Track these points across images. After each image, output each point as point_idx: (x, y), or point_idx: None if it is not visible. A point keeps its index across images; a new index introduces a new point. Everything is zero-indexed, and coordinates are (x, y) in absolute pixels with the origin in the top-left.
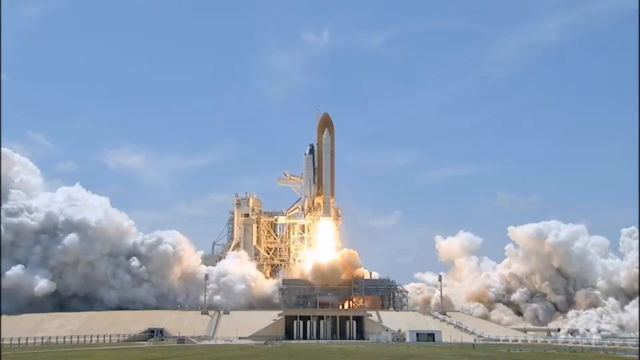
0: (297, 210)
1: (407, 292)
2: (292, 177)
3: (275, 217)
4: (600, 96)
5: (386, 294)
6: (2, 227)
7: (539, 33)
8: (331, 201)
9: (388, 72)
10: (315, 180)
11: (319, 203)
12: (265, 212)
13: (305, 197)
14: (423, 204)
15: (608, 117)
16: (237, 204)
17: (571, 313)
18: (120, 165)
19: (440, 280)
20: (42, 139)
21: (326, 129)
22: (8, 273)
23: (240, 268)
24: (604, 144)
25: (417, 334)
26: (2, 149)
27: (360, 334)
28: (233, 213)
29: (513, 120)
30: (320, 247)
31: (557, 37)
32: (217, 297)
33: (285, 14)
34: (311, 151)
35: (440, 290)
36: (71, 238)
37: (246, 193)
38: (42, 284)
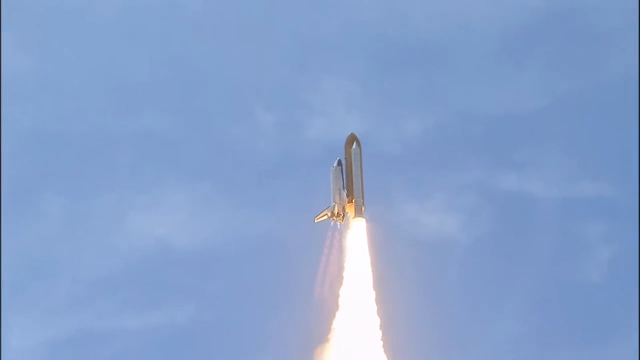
0: (325, 217)
1: None
2: None
3: None
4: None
5: None
6: None
7: None
8: (362, 209)
9: None
10: (345, 187)
11: (348, 211)
12: None
13: (335, 203)
14: None
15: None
16: None
17: None
18: None
19: None
20: None
21: (354, 142)
22: None
23: None
24: None
25: None
26: None
27: None
28: None
29: None
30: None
31: None
32: None
33: None
34: (339, 163)
35: None
36: None
37: None
38: None
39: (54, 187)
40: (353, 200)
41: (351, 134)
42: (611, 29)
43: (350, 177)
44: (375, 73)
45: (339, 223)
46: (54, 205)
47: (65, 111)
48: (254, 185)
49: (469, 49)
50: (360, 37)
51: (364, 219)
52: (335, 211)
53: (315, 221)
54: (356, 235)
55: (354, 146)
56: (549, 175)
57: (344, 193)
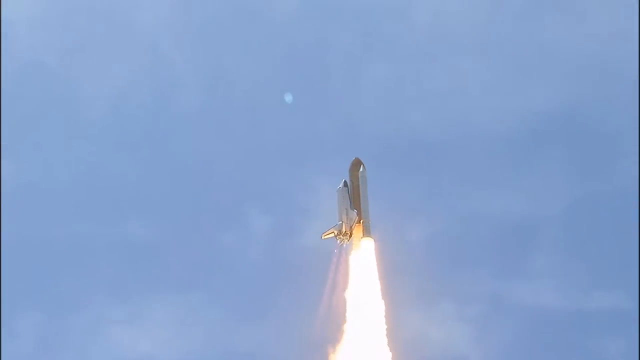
0: (332, 235)
1: None
2: None
3: None
4: None
5: None
6: None
7: None
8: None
9: None
10: (353, 207)
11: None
12: None
13: (342, 222)
14: None
15: None
16: None
17: None
18: None
19: None
20: None
21: (361, 165)
22: None
23: None
24: None
25: None
26: None
27: None
28: None
29: None
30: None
31: None
32: None
33: None
34: (345, 184)
35: None
36: None
37: None
38: None
39: (28, 301)
40: (361, 221)
41: (356, 158)
42: (616, 131)
43: (357, 199)
44: (375, 174)
45: (344, 242)
46: (29, 321)
47: (42, 218)
48: (246, 296)
49: (473, 150)
50: (359, 137)
51: (372, 239)
52: (343, 230)
53: (322, 238)
54: (365, 255)
55: (360, 169)
56: (563, 284)
57: (353, 212)
